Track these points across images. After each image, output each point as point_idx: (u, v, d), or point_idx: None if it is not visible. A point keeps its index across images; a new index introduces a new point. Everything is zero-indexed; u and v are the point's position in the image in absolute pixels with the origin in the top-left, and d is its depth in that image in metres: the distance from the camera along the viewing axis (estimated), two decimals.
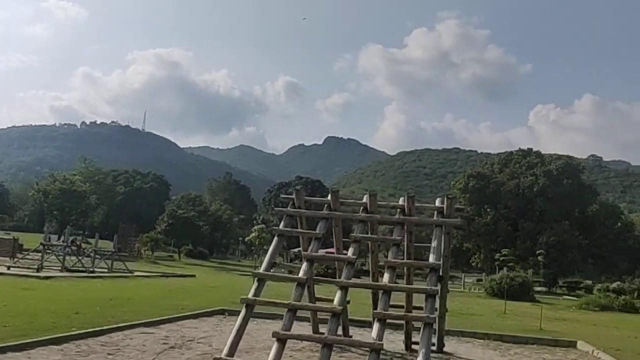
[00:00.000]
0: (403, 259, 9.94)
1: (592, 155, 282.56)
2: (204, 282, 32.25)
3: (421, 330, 7.49)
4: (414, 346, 11.53)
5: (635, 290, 49.14)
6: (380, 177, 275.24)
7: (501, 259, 24.89)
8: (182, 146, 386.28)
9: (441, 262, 8.81)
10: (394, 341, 11.96)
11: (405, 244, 10.00)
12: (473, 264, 62.41)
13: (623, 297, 33.44)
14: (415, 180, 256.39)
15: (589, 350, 12.94)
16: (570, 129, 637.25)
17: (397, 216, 9.54)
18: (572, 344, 14.04)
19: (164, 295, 21.38)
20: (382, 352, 7.15)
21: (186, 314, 14.64)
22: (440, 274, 10.57)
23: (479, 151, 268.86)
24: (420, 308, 11.72)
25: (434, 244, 8.92)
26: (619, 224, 65.84)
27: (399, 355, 11.04)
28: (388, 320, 7.81)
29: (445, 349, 11.62)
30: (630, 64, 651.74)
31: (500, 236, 61.05)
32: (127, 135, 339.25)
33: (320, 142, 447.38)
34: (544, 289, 61.96)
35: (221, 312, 15.74)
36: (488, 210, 62.74)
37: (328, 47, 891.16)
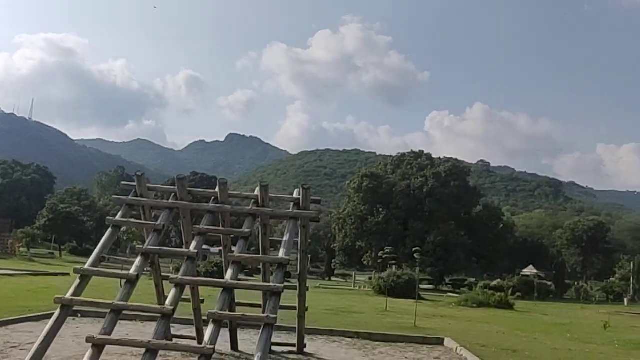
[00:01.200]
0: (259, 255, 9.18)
1: (481, 161, 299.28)
2: (74, 281, 29.86)
3: (260, 331, 6.76)
4: (274, 347, 10.82)
5: (511, 287, 52.01)
6: (282, 175, 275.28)
7: (383, 256, 24.82)
8: (73, 138, 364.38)
9: (292, 257, 8.13)
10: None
11: (260, 237, 9.26)
12: (365, 262, 63.47)
13: (499, 294, 34.89)
14: (316, 180, 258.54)
15: (454, 348, 12.86)
16: (463, 135, 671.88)
17: (249, 207, 8.75)
18: (440, 342, 13.96)
19: (18, 295, 19.28)
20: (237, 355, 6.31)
21: (26, 316, 13.04)
22: (298, 271, 9.96)
23: (377, 153, 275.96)
24: (291, 308, 11.10)
25: (285, 237, 8.22)
26: (501, 225, 69.60)
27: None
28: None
29: (307, 350, 11.01)
30: (516, 77, 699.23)
31: (391, 235, 62.47)
32: (11, 124, 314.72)
33: (222, 139, 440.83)
34: (431, 286, 64.33)
35: (73, 314, 14.21)
36: (380, 209, 64.04)
37: (232, 43, 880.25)
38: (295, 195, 9.11)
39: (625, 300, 51.57)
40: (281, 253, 7.93)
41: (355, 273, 58.75)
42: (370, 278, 57.04)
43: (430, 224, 62.14)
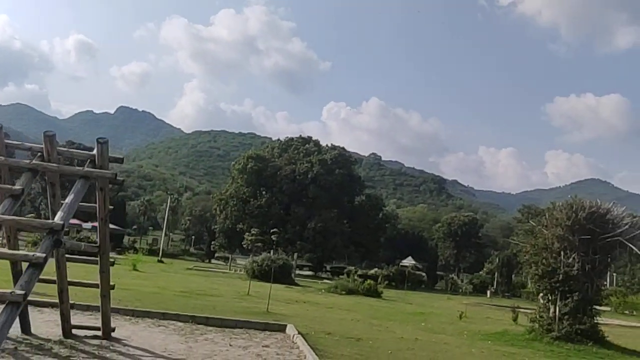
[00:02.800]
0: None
1: (373, 154, 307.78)
2: None
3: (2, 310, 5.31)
4: (75, 331, 9.29)
5: (385, 276, 53.11)
6: (173, 154, 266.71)
7: (249, 239, 23.53)
8: None
9: (68, 224, 6.67)
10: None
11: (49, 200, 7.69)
12: (245, 246, 62.06)
13: (368, 281, 35.05)
14: (209, 160, 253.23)
15: (292, 335, 11.97)
16: (358, 128, 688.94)
17: (29, 161, 7.16)
18: (282, 328, 13.03)
19: None
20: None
21: None
22: (98, 242, 8.49)
23: (274, 138, 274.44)
24: (89, 285, 9.58)
25: (68, 199, 6.74)
26: (381, 215, 71.05)
27: (56, 341, 8.69)
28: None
29: (119, 335, 9.59)
30: (411, 77, 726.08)
31: (273, 219, 61.58)
32: None
33: (112, 112, 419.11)
34: (311, 273, 64.38)
35: None
36: (264, 192, 62.91)
37: (130, 12, 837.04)
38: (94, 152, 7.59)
39: (488, 292, 54.40)
40: (57, 217, 6.46)
41: (232, 256, 57.27)
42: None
43: (313, 210, 61.99)
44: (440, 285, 62.48)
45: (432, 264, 77.34)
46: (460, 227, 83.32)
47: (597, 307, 18.62)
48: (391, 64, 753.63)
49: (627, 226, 16.96)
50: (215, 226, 66.92)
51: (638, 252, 16.83)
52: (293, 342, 11.18)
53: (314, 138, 75.02)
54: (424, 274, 64.64)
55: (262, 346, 10.35)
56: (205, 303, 18.51)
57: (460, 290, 54.75)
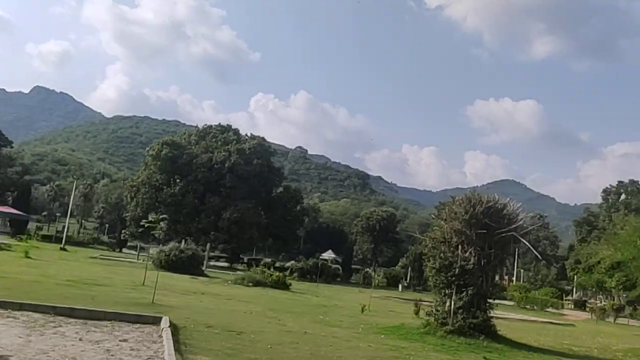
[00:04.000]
0: None
1: (300, 147, 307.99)
2: None
3: None
4: None
5: (299, 269, 52.68)
6: (92, 138, 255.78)
7: (145, 225, 22.24)
8: None
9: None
10: None
11: None
12: (157, 235, 59.42)
13: (277, 273, 34.35)
14: (130, 147, 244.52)
15: (162, 328, 11.01)
16: (285, 120, 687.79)
17: None
18: (156, 321, 12.03)
19: None
20: None
21: None
22: None
23: (200, 127, 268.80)
24: None
25: None
26: (299, 207, 70.57)
27: None
28: None
29: None
30: (340, 73, 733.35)
31: (187, 208, 59.69)
32: None
33: (27, 91, 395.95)
34: (227, 264, 63.00)
35: None
36: (178, 180, 60.68)
37: None
38: None
39: (400, 286, 55.20)
40: None
41: (140, 245, 55.00)
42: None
43: (229, 200, 60.44)
44: (355, 278, 62.80)
45: (348, 257, 77.82)
46: (379, 222, 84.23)
47: (493, 301, 18.87)
48: (320, 59, 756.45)
49: (521, 221, 17.13)
50: (127, 214, 64.12)
51: (530, 247, 17.03)
52: (159, 336, 10.23)
53: (241, 129, 73.53)
54: (339, 267, 64.74)
55: (120, 340, 9.35)
56: (88, 293, 17.21)
57: (374, 284, 55.17)
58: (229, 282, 32.04)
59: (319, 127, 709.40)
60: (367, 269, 66.48)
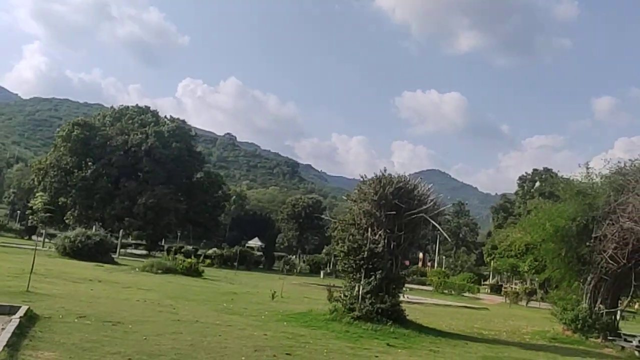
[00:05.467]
0: None
1: (228, 134, 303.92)
2: None
3: None
4: None
5: (219, 256, 51.16)
6: (6, 121, 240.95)
7: (37, 209, 20.05)
8: None
9: None
10: None
11: None
12: (67, 221, 56.24)
13: (189, 260, 32.78)
14: (48, 130, 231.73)
15: (12, 318, 9.51)
16: (214, 107, 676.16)
17: None
18: (14, 310, 10.48)
19: None
20: None
21: None
22: None
23: (116, 108, 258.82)
24: None
25: None
26: (220, 192, 68.57)
27: None
28: None
29: None
30: (270, 60, 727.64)
31: (99, 193, 56.41)
32: None
33: None
34: (145, 252, 60.34)
35: None
36: (90, 163, 57.15)
37: None
38: None
39: (322, 273, 54.71)
40: None
41: (45, 231, 51.47)
42: None
43: (145, 185, 57.58)
44: (278, 265, 61.79)
45: (271, 244, 76.77)
46: (304, 209, 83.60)
47: (406, 286, 18.34)
48: (251, 45, 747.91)
49: (431, 203, 16.54)
50: (34, 199, 60.00)
51: (440, 229, 16.49)
52: (2, 328, 8.73)
53: (168, 115, 70.23)
54: (261, 254, 63.60)
55: None
56: None
57: (296, 271, 54.46)
58: (137, 269, 30.15)
59: (249, 114, 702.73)
60: (291, 255, 65.51)
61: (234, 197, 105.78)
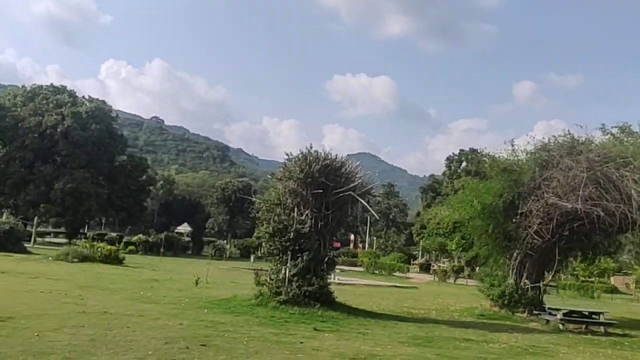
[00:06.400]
0: None
1: (155, 117, 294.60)
2: None
3: None
4: None
5: (143, 242, 49.14)
6: None
7: None
8: None
9: None
10: None
11: None
12: None
13: (109, 247, 31.01)
14: None
15: None
16: (140, 89, 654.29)
17: None
18: None
19: None
20: None
21: None
22: None
23: (28, 87, 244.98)
24: None
25: None
26: (145, 177, 65.86)
27: None
28: None
29: None
30: (197, 41, 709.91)
31: (12, 178, 52.71)
32: None
33: None
34: (65, 240, 57.17)
35: None
36: (0, 147, 53.22)
37: None
38: None
39: (252, 257, 53.70)
40: None
41: None
42: None
43: (63, 169, 54.24)
44: (207, 250, 60.25)
45: (201, 229, 74.94)
46: (235, 193, 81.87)
47: (333, 267, 17.75)
48: (176, 25, 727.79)
49: (359, 181, 15.94)
50: None
51: (368, 207, 15.94)
52: None
53: (88, 95, 66.08)
54: (190, 239, 61.83)
55: None
56: None
57: (225, 256, 53.19)
58: (50, 258, 28.14)
59: (176, 97, 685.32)
60: (221, 240, 63.97)
61: (162, 181, 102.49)
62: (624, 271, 60.44)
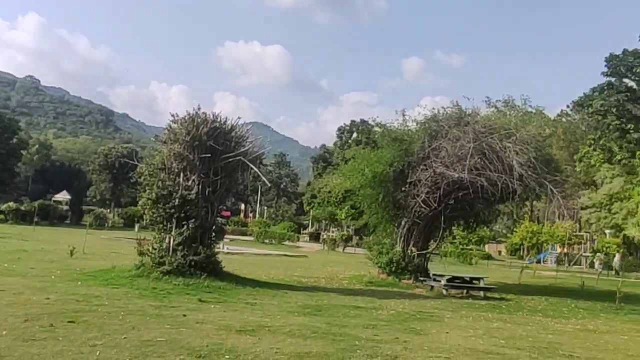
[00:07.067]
0: None
1: (30, 76, 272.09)
2: None
3: None
4: None
5: (13, 211, 45.44)
6: None
7: None
8: None
9: None
10: None
11: None
12: None
13: None
14: None
15: None
16: (12, 46, 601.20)
17: None
18: None
19: None
20: None
21: None
22: None
23: None
24: None
25: None
26: (15, 140, 60.42)
27: None
28: None
29: None
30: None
31: None
32: None
33: None
34: None
35: None
36: None
37: None
38: None
39: (137, 226, 51.36)
40: None
41: None
42: None
43: None
44: (88, 219, 56.81)
45: (81, 197, 70.58)
46: (118, 159, 77.50)
47: (221, 236, 17.05)
48: None
49: (250, 146, 15.24)
50: None
51: (260, 173, 15.32)
52: None
53: None
54: (68, 208, 57.99)
55: None
56: None
57: (107, 225, 50.47)
58: None
59: (55, 56, 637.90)
60: (102, 209, 60.49)
61: (37, 146, 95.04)
62: (498, 239, 65.05)
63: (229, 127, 15.07)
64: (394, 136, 19.75)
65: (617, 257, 41.57)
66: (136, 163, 17.99)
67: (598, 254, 43.05)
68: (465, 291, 17.31)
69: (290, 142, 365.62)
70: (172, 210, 14.39)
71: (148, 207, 14.89)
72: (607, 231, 47.28)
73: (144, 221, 15.53)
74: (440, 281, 17.49)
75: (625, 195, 46.57)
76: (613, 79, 36.71)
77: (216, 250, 15.67)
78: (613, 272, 37.18)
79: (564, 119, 51.94)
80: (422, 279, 18.64)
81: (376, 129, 23.29)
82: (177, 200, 14.31)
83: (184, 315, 9.32)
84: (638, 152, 33.80)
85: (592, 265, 43.14)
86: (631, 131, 35.36)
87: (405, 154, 18.97)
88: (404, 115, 20.10)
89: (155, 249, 14.56)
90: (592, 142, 37.08)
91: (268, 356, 6.55)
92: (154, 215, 14.80)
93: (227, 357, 6.42)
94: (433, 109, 19.62)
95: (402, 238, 19.62)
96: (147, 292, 11.85)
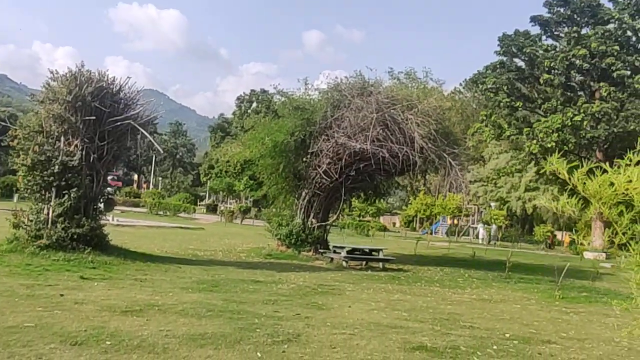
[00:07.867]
0: None
1: None
2: None
3: None
4: None
5: None
6: None
7: None
8: None
9: None
10: None
11: None
12: None
13: None
14: None
15: None
16: None
17: None
18: None
19: None
20: None
21: None
22: None
23: None
24: None
25: None
26: None
27: None
28: None
29: None
30: None
31: None
32: None
33: None
34: None
35: None
36: None
37: None
38: None
39: (15, 197, 47.43)
40: None
41: None
42: None
43: None
44: None
45: None
46: None
47: (110, 207, 15.77)
48: None
49: (140, 109, 14.01)
50: None
51: (151, 138, 14.17)
52: None
53: None
54: None
55: None
56: None
57: None
58: None
59: None
60: None
61: None
62: (393, 212, 67.06)
63: (117, 88, 13.73)
64: (295, 105, 19.14)
65: (494, 227, 44.78)
66: (10, 126, 16.03)
67: (486, 225, 45.61)
68: (364, 263, 17.28)
69: (187, 111, 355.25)
70: (51, 178, 12.95)
71: (23, 174, 13.31)
72: (492, 204, 50.10)
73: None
74: (340, 253, 17.33)
75: (510, 170, 49.61)
76: (505, 58, 38.30)
77: (103, 222, 14.41)
78: (488, 241, 39.79)
79: (457, 97, 53.99)
80: (322, 251, 18.41)
81: (277, 97, 22.55)
82: (56, 167, 12.88)
83: (61, 295, 8.27)
84: (525, 129, 35.73)
85: (477, 236, 45.67)
86: (520, 109, 37.30)
87: (307, 123, 18.44)
88: (306, 84, 19.53)
89: (31, 221, 13.10)
90: (484, 118, 38.78)
91: (156, 340, 5.80)
92: (30, 184, 13.27)
93: (108, 342, 5.59)
94: (336, 77, 19.21)
95: (303, 209, 19.23)
96: (19, 269, 10.55)
